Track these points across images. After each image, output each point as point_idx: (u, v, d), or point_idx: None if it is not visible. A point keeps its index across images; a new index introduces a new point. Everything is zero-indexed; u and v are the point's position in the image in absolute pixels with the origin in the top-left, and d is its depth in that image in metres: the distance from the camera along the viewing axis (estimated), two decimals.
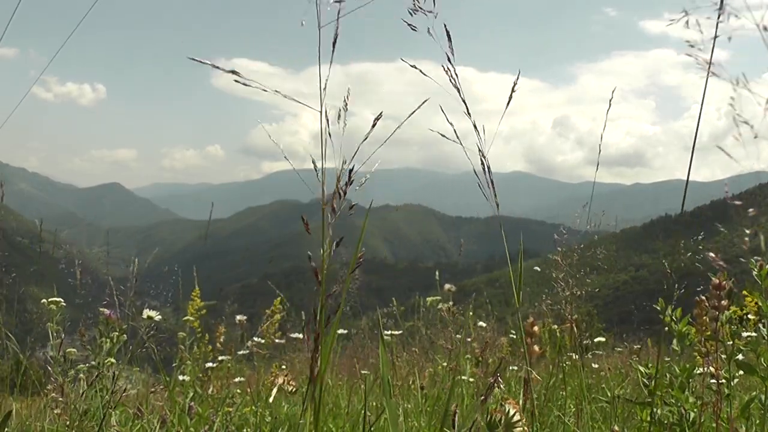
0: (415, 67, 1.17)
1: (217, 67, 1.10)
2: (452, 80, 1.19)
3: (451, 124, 1.17)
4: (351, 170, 1.11)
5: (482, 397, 1.36)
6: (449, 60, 1.18)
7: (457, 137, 1.18)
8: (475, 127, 1.21)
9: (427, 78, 1.20)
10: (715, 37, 1.05)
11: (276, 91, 1.15)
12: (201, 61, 1.11)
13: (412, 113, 1.12)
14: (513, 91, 1.23)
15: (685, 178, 1.37)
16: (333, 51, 1.09)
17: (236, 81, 1.10)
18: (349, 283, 1.16)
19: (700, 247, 2.70)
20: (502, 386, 1.53)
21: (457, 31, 1.20)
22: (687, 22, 1.01)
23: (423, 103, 1.15)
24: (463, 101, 1.20)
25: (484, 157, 1.24)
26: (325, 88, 1.10)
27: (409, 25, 1.12)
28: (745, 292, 1.90)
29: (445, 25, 1.16)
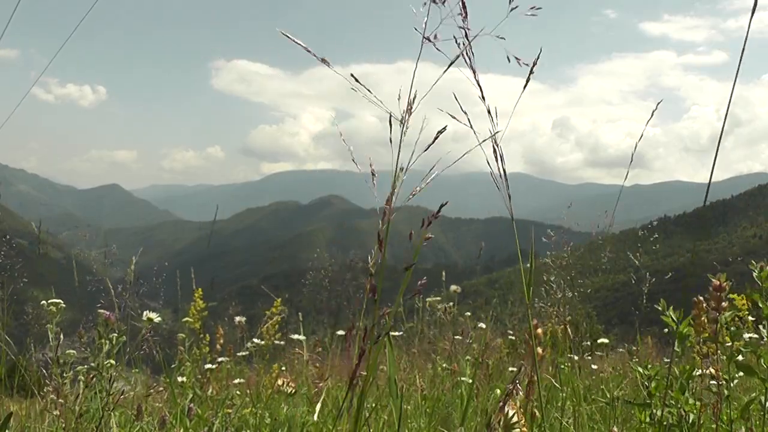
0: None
1: (309, 51, 1.08)
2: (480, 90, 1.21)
3: (444, 128, 1.17)
4: (431, 212, 1.13)
5: (500, 404, 1.36)
6: (474, 73, 1.20)
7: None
8: (489, 112, 1.21)
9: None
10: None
11: (367, 95, 1.15)
12: (295, 41, 1.06)
13: (464, 155, 1.16)
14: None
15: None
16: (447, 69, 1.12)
17: (335, 73, 1.08)
18: (399, 302, 1.16)
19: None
20: (521, 393, 1.53)
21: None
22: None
23: (475, 147, 1.17)
24: (488, 112, 1.20)
25: (497, 145, 1.24)
26: (407, 99, 1.11)
27: (433, 45, 1.13)
28: (732, 296, 1.90)
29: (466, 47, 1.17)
